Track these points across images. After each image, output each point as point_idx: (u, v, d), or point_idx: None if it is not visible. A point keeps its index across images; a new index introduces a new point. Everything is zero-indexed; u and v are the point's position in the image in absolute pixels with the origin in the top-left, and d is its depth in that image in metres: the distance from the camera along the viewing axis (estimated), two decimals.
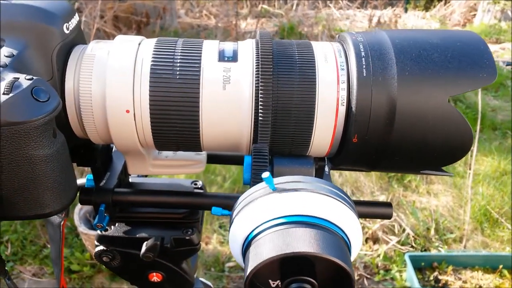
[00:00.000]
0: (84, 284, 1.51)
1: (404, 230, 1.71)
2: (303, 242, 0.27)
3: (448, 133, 0.36)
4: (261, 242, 0.28)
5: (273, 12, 3.87)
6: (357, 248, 0.32)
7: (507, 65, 3.15)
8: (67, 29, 0.36)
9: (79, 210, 1.53)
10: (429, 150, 0.37)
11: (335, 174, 1.98)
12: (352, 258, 0.31)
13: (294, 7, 3.82)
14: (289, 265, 0.28)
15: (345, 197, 0.31)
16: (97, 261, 0.45)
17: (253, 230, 0.30)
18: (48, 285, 1.51)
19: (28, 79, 0.30)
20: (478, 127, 1.68)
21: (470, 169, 1.75)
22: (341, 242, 0.29)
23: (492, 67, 0.36)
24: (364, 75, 0.35)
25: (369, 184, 1.92)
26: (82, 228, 1.47)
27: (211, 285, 0.62)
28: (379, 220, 1.73)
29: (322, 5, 3.98)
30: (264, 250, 0.27)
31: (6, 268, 0.35)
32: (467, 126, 0.36)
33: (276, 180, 0.30)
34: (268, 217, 0.29)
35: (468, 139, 0.36)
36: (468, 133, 0.36)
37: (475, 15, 4.16)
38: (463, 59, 0.36)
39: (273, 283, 0.30)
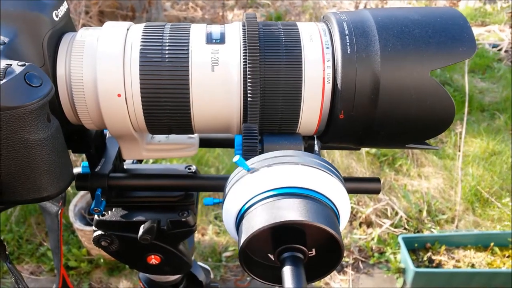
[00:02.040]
0: (82, 280, 1.52)
1: (396, 213, 1.74)
2: (292, 211, 0.28)
3: (430, 106, 0.37)
4: (253, 214, 0.29)
5: (260, 2, 3.86)
6: (346, 217, 0.33)
7: (493, 47, 3.18)
8: (57, 16, 0.37)
9: (73, 207, 1.53)
10: (413, 123, 0.38)
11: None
12: (341, 228, 0.33)
13: None
14: (280, 235, 0.29)
15: (332, 168, 0.32)
16: (96, 246, 0.46)
17: (245, 204, 0.31)
18: (46, 283, 1.52)
19: (21, 65, 0.30)
20: (466, 109, 1.70)
21: (459, 150, 1.78)
22: (329, 211, 0.30)
23: (471, 40, 0.37)
24: (348, 52, 0.37)
25: (361, 169, 1.94)
26: (77, 225, 1.48)
27: (209, 269, 0.63)
28: (372, 204, 1.76)
29: None
30: (256, 222, 0.29)
31: (7, 252, 0.36)
32: (449, 98, 0.37)
33: (266, 155, 0.32)
34: (259, 191, 0.30)
35: (450, 111, 0.38)
36: (450, 105, 0.37)
37: None
38: (444, 34, 0.37)
39: (266, 254, 0.31)
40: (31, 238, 1.65)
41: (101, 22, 2.92)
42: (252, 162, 0.32)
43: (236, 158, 0.31)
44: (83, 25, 2.55)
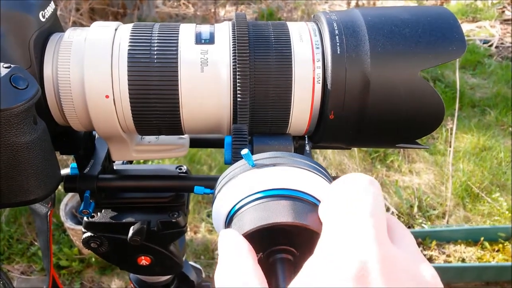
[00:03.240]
0: (74, 280, 1.51)
1: (388, 209, 1.75)
2: (281, 213, 0.28)
3: (420, 106, 0.37)
4: (242, 216, 0.29)
5: None
6: None
7: (483, 43, 3.20)
8: (43, 17, 0.36)
9: (64, 206, 1.52)
10: (403, 123, 0.38)
11: (319, 158, 2.00)
12: None
13: None
14: (270, 237, 0.29)
15: (321, 169, 0.32)
16: (85, 248, 0.46)
17: (234, 206, 0.30)
18: (37, 283, 1.51)
19: (6, 67, 0.30)
20: (457, 105, 1.71)
21: (450, 146, 1.80)
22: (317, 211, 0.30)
23: (461, 40, 0.37)
24: (338, 52, 0.36)
25: (353, 166, 1.95)
26: (68, 224, 1.47)
27: (201, 268, 0.63)
28: None
29: None
30: (245, 223, 0.28)
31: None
32: (439, 98, 0.37)
33: (255, 156, 0.31)
34: (248, 192, 0.30)
35: (440, 111, 0.38)
36: (439, 105, 0.37)
37: None
38: (434, 33, 0.37)
39: (256, 256, 0.31)
40: (21, 237, 1.64)
41: (92, 20, 2.89)
42: (257, 157, 0.31)
43: (245, 151, 0.30)
44: (74, 23, 2.52)
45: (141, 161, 1.51)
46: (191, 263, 0.62)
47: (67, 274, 1.52)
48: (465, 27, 3.48)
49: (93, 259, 1.54)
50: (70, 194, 1.56)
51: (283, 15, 3.39)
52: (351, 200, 0.23)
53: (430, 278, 0.20)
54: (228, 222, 0.31)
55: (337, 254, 0.21)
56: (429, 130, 0.39)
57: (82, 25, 2.64)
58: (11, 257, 1.57)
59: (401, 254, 0.21)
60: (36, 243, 1.60)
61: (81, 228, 1.50)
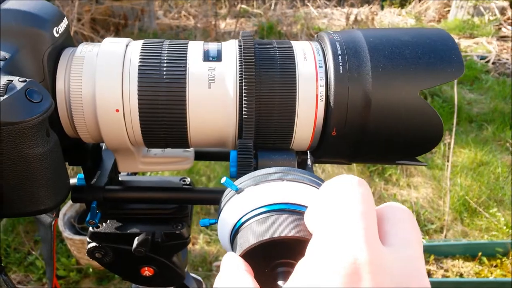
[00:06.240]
0: None
1: None
2: (284, 227, 0.29)
3: (419, 125, 0.38)
4: (247, 229, 0.30)
5: (252, 12, 3.89)
6: None
7: (480, 59, 3.24)
8: (57, 32, 0.37)
9: (63, 216, 1.52)
10: (403, 141, 0.39)
11: (318, 171, 2.01)
12: None
13: (273, 6, 3.85)
14: (273, 250, 0.30)
15: (321, 182, 0.33)
16: (90, 258, 0.46)
17: (240, 219, 0.31)
18: None
19: (22, 81, 0.31)
20: (454, 120, 1.73)
21: (448, 161, 1.81)
22: None
23: (459, 61, 0.39)
24: (341, 72, 0.38)
25: None
26: (67, 234, 1.47)
27: (201, 280, 0.64)
28: None
29: (300, 4, 4.02)
30: (250, 237, 0.29)
31: (2, 264, 0.36)
32: (437, 117, 0.38)
33: (260, 171, 0.32)
34: (254, 206, 0.31)
35: (439, 130, 0.39)
36: (438, 124, 0.39)
37: (449, 11, 4.26)
38: (433, 55, 0.38)
39: (260, 269, 0.32)
40: (19, 247, 1.63)
41: (93, 30, 2.92)
42: (240, 181, 0.32)
43: (223, 179, 0.32)
44: (75, 33, 2.55)
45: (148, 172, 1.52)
46: (192, 274, 0.62)
47: (65, 285, 1.51)
48: (463, 43, 3.52)
49: (91, 270, 1.53)
50: (68, 204, 1.57)
51: (282, 28, 3.43)
52: (340, 202, 0.24)
53: None
54: (234, 235, 0.32)
55: (329, 253, 0.21)
56: (427, 148, 0.40)
57: (83, 35, 2.66)
58: (8, 266, 1.57)
59: (390, 257, 0.22)
60: (33, 253, 1.60)
61: (79, 238, 1.50)
